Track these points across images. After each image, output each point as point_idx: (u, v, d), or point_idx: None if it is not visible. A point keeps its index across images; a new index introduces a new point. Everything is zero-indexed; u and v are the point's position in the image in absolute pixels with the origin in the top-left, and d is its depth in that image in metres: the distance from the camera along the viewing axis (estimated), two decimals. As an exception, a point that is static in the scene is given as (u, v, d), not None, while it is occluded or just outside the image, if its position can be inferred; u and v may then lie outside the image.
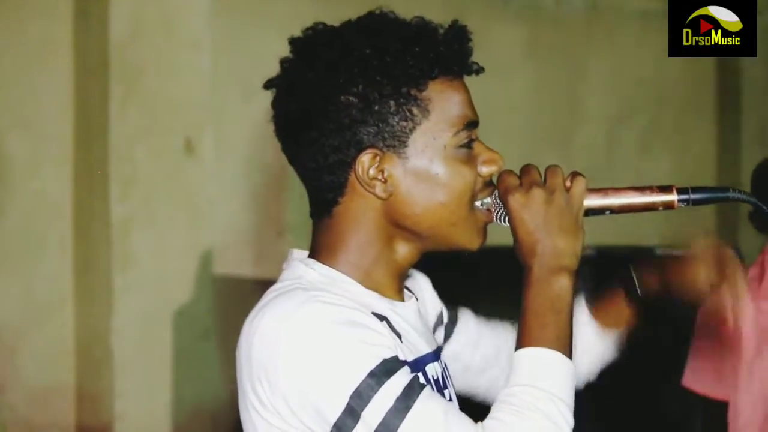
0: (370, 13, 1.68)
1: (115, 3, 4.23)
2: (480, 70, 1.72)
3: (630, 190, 1.72)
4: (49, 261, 4.31)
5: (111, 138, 4.23)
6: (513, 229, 1.67)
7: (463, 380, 1.94)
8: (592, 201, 1.70)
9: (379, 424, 1.54)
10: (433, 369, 1.73)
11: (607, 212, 1.72)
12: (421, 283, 1.89)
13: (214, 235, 4.50)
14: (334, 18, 1.72)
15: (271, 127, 1.64)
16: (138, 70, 4.27)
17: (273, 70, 1.68)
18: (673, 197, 1.71)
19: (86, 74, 4.30)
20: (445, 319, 1.92)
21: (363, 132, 1.64)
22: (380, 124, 1.64)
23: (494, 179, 1.71)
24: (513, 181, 1.67)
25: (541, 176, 1.67)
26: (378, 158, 1.64)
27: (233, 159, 4.70)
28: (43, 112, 4.29)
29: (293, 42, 1.68)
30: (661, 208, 1.72)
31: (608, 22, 5.90)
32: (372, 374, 1.55)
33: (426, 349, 1.74)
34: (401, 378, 1.56)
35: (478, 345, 1.96)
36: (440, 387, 1.74)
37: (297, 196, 4.88)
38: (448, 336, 1.93)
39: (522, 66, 5.46)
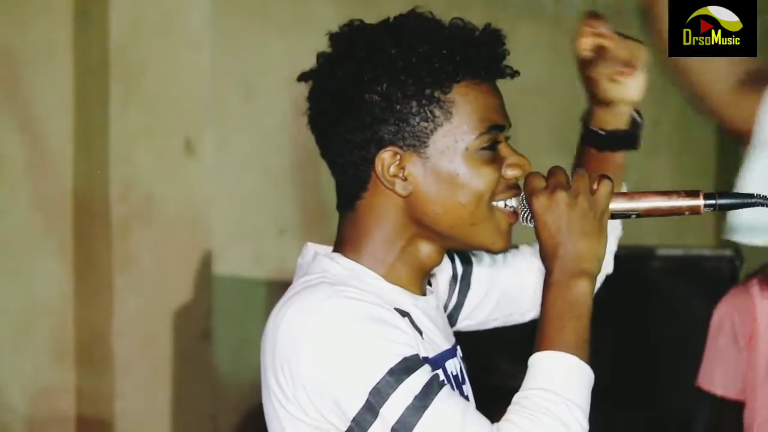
0: (409, 13, 1.71)
1: (115, 3, 4.22)
2: (513, 74, 1.77)
3: (656, 194, 1.73)
4: (49, 261, 4.30)
5: (111, 138, 4.22)
6: (536, 232, 1.68)
7: (502, 311, 2.00)
8: (618, 204, 1.72)
9: (397, 422, 1.57)
10: (452, 365, 1.76)
11: (633, 216, 1.73)
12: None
13: (214, 235, 4.50)
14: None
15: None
16: (138, 70, 4.27)
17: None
18: (700, 202, 1.72)
19: (86, 74, 4.29)
20: (459, 272, 1.95)
21: (384, 130, 1.67)
22: (401, 124, 1.67)
23: (521, 182, 1.73)
24: (539, 183, 1.69)
25: (567, 179, 1.68)
26: (398, 157, 1.67)
27: (233, 159, 4.70)
28: (43, 112, 4.28)
29: (330, 37, 1.72)
30: (687, 212, 1.73)
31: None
32: (392, 372, 1.57)
33: (446, 344, 1.77)
34: (421, 376, 1.59)
35: (497, 282, 1.99)
36: (459, 383, 1.77)
37: (297, 196, 4.87)
38: (467, 286, 1.96)
39: (521, 66, 5.46)
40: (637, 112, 2.00)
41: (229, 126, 4.65)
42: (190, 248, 4.41)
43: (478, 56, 1.69)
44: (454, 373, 1.76)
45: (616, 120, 1.98)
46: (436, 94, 1.67)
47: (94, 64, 4.26)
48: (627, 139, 1.99)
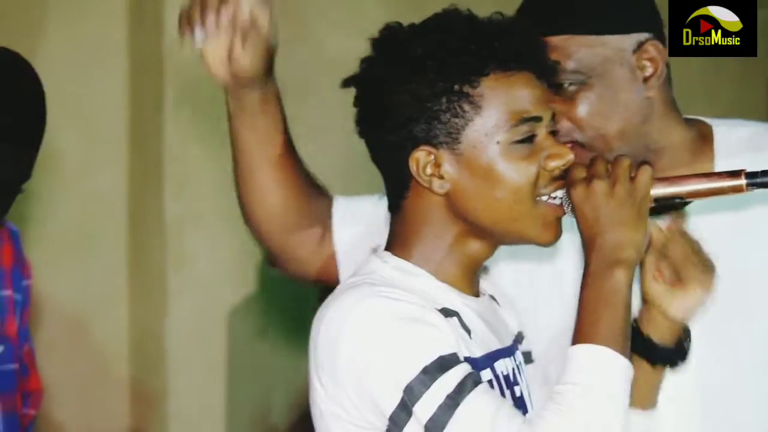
0: (444, 11, 1.71)
1: (170, 2, 4.23)
2: (554, 66, 1.72)
3: (698, 177, 1.71)
4: (103, 260, 4.34)
5: (165, 137, 4.25)
6: (577, 223, 1.67)
7: None
8: (659, 190, 1.69)
9: (429, 420, 1.57)
10: (503, 365, 1.73)
11: (677, 200, 1.70)
12: (505, 301, 1.87)
13: (269, 234, 4.50)
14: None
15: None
16: (192, 69, 4.28)
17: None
18: (742, 181, 1.68)
19: (141, 73, 4.32)
20: (522, 342, 1.88)
21: (416, 129, 1.67)
22: (432, 122, 1.66)
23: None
24: (578, 174, 1.67)
25: (607, 168, 1.66)
26: (432, 156, 1.67)
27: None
28: (98, 111, 4.33)
29: (371, 41, 1.73)
30: (730, 193, 1.69)
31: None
32: (426, 370, 1.57)
33: (497, 344, 1.74)
34: (455, 374, 1.58)
35: None
36: (510, 383, 1.74)
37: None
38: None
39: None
40: (687, 335, 1.84)
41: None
42: (245, 247, 4.41)
43: (507, 48, 1.67)
44: (505, 373, 1.73)
45: (655, 328, 1.82)
46: (465, 89, 1.66)
47: (148, 62, 4.29)
48: (656, 353, 1.83)
